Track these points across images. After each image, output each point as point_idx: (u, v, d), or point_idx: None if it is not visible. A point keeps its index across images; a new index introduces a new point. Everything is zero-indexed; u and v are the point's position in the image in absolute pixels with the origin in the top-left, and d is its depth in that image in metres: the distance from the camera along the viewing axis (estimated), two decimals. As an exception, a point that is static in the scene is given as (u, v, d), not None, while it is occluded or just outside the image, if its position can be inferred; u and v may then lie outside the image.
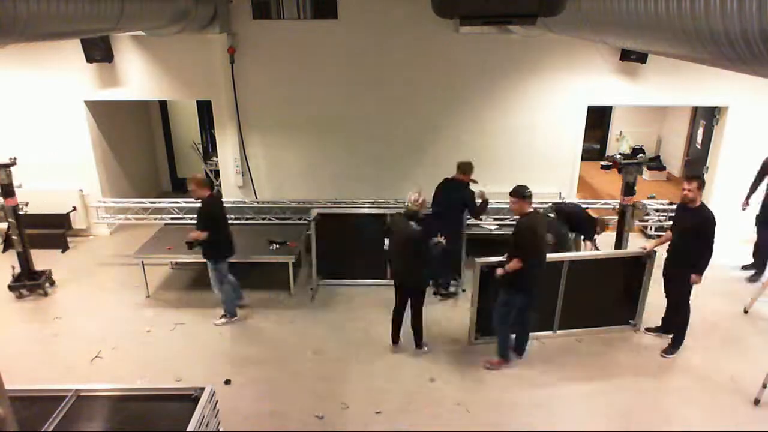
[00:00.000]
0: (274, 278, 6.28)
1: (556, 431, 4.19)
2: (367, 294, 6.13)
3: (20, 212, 5.98)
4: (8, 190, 5.88)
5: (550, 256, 4.79)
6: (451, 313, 5.78)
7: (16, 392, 3.36)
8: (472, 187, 5.79)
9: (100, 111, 7.39)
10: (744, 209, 6.42)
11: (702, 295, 6.00)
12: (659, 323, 5.29)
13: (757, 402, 4.42)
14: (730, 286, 6.24)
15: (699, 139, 7.67)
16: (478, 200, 5.71)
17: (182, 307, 5.88)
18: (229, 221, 5.60)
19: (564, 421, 4.29)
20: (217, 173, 7.72)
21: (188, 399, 3.31)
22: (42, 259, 6.93)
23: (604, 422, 4.28)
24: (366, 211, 6.37)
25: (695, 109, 8.03)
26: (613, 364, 4.97)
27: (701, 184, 4.67)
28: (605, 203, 7.02)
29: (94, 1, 3.42)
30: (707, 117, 7.36)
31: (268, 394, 4.59)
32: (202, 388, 3.38)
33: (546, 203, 6.32)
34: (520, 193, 4.47)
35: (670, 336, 5.09)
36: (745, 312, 5.73)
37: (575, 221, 5.79)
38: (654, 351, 5.11)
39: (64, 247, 7.19)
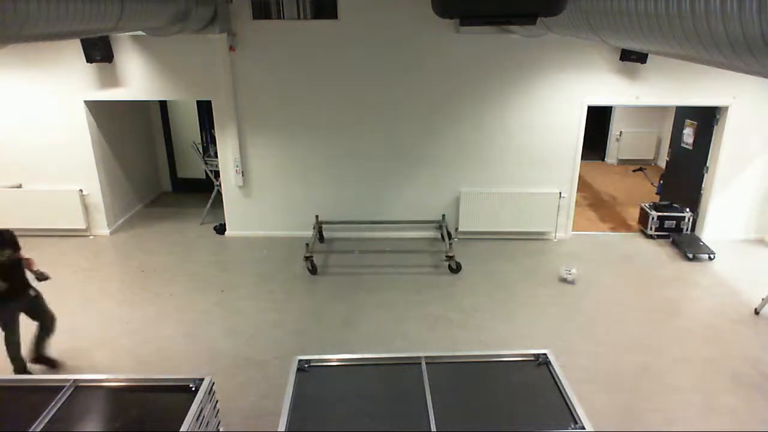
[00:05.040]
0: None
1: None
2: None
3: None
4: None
5: None
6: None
7: (13, 382, 3.38)
8: None
9: (100, 111, 7.40)
10: None
11: (710, 295, 6.04)
12: None
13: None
14: (736, 287, 6.24)
15: (689, 139, 7.67)
16: None
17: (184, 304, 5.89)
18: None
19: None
20: (217, 173, 7.74)
21: (187, 390, 3.32)
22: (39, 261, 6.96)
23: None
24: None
25: (677, 108, 8.05)
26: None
27: None
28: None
29: (94, 1, 3.42)
30: (703, 117, 7.36)
31: (268, 393, 4.59)
32: (202, 379, 3.39)
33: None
34: None
35: None
36: (756, 313, 5.72)
37: None
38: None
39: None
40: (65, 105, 7.08)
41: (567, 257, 6.93)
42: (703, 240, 7.22)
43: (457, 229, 7.46)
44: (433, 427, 2.97)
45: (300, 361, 3.51)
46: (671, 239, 7.29)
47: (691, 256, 6.82)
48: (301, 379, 3.38)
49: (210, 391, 3.42)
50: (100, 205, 7.51)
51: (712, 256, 6.82)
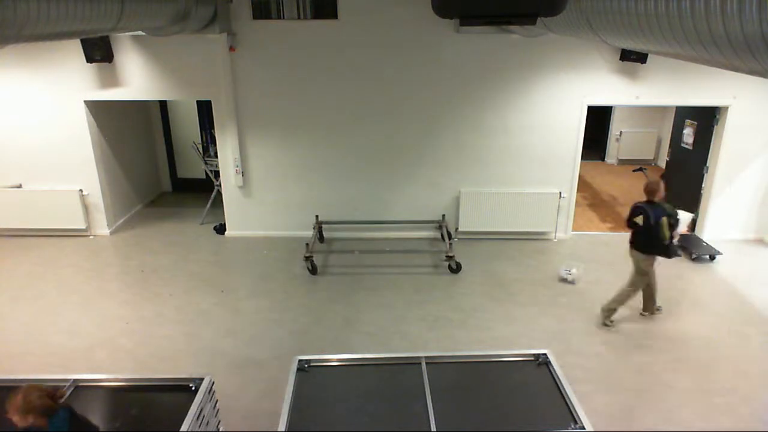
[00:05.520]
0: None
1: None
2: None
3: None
4: None
5: None
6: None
7: (13, 382, 3.37)
8: None
9: (100, 111, 7.40)
10: None
11: (710, 295, 6.05)
12: None
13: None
14: (736, 286, 6.24)
15: (689, 139, 7.68)
16: None
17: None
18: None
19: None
20: (217, 173, 7.74)
21: (187, 390, 3.32)
22: (39, 260, 6.95)
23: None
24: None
25: (677, 108, 8.07)
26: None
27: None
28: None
29: (94, 1, 3.42)
30: (703, 117, 7.36)
31: (267, 393, 4.59)
32: (201, 379, 3.39)
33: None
34: None
35: None
36: None
37: None
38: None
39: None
40: (65, 105, 7.08)
41: (567, 257, 6.93)
42: (704, 240, 7.22)
43: (457, 229, 7.45)
44: (433, 427, 2.97)
45: (300, 361, 3.51)
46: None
47: (695, 256, 6.81)
48: (301, 379, 3.38)
49: (210, 391, 3.43)
50: (100, 205, 7.51)
51: (713, 256, 6.82)
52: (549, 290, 6.20)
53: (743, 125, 6.96)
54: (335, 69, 6.88)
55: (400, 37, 6.73)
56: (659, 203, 5.09)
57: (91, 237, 7.58)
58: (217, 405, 3.61)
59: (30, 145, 7.23)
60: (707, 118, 7.29)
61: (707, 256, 6.83)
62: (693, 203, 7.60)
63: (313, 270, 6.54)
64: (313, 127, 7.15)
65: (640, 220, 5.12)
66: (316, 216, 7.47)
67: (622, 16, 2.86)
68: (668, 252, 5.10)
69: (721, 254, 6.81)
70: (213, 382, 3.46)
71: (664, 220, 4.99)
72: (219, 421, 3.65)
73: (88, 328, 5.51)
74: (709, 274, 6.52)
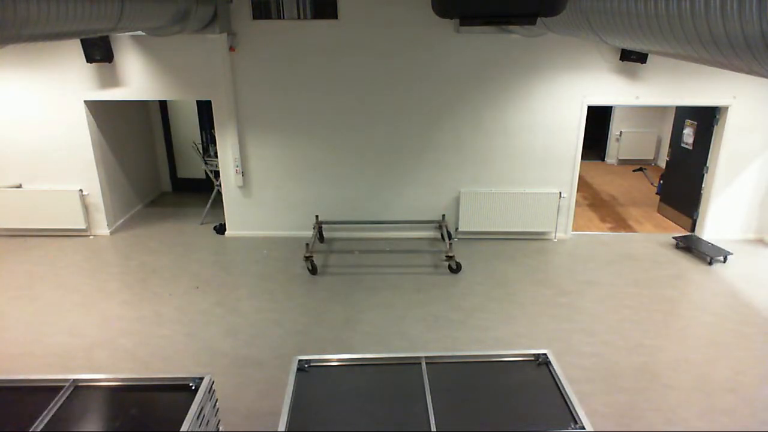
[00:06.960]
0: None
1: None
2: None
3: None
4: None
5: None
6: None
7: (13, 382, 3.37)
8: None
9: (100, 111, 7.41)
10: None
11: (710, 295, 6.05)
12: None
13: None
14: (736, 286, 6.24)
15: (689, 139, 7.68)
16: None
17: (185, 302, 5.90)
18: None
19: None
20: (217, 173, 7.74)
21: (187, 389, 3.32)
22: (40, 259, 6.95)
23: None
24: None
25: (677, 108, 8.07)
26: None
27: None
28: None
29: (94, 1, 3.42)
30: (703, 117, 7.37)
31: (267, 393, 4.59)
32: (201, 378, 3.39)
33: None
34: None
35: None
36: None
37: None
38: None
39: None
40: (65, 105, 7.08)
41: (567, 257, 6.94)
42: (704, 240, 7.22)
43: (457, 229, 7.46)
44: (433, 427, 2.96)
45: (300, 361, 3.51)
46: (676, 242, 7.28)
47: (709, 259, 6.80)
48: (301, 379, 3.38)
49: (210, 390, 3.42)
50: (100, 205, 7.52)
51: (711, 259, 6.81)
52: (549, 290, 6.20)
53: (743, 125, 6.97)
54: (335, 69, 6.89)
55: (400, 37, 6.73)
56: None
57: (91, 237, 7.58)
58: (217, 405, 3.61)
59: (30, 145, 7.24)
60: (707, 118, 7.30)
61: (721, 258, 6.78)
62: (693, 203, 7.61)
63: (313, 270, 6.54)
64: (314, 127, 7.16)
65: None
66: (316, 216, 7.48)
67: (622, 16, 2.86)
68: None
69: (732, 254, 6.80)
70: (213, 382, 3.46)
71: None
72: (219, 421, 3.64)
73: (88, 328, 5.51)
74: (708, 274, 6.52)
